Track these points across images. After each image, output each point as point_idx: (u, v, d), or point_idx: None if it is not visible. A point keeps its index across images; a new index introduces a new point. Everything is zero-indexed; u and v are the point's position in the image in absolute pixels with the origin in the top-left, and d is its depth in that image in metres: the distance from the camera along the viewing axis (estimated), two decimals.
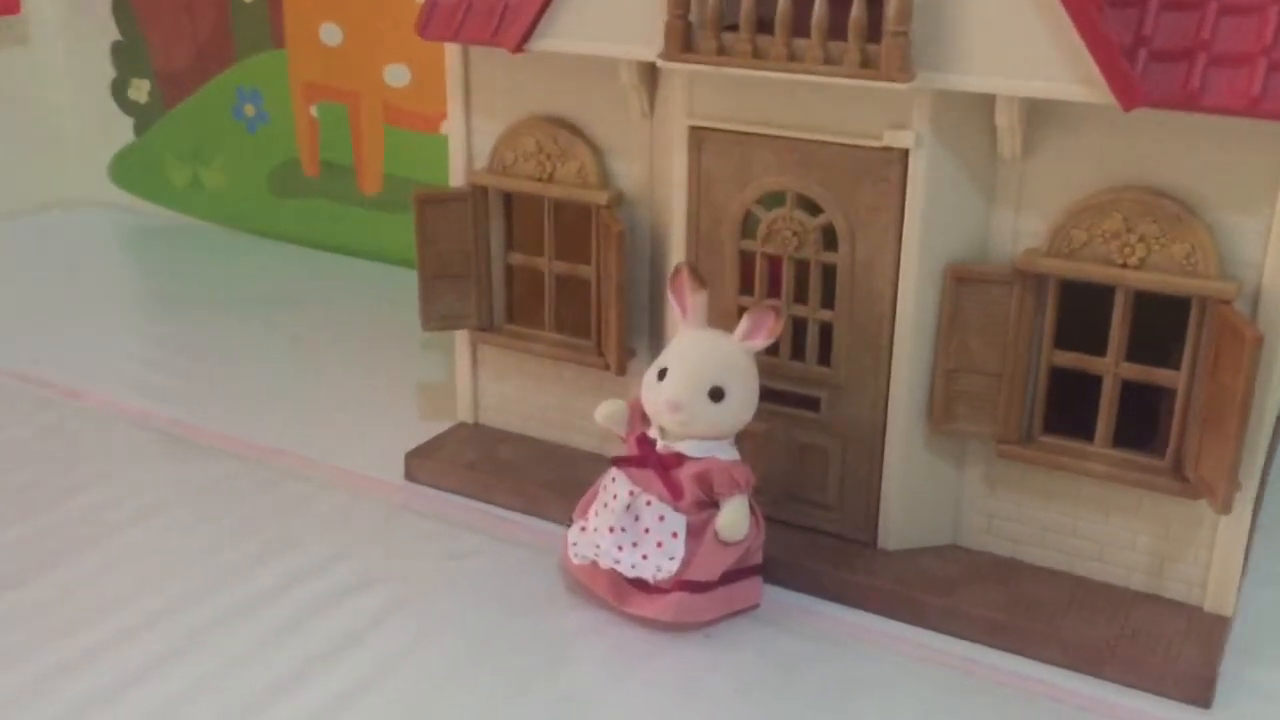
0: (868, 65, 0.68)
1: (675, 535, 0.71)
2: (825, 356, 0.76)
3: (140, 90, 1.47)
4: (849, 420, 0.77)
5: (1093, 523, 0.75)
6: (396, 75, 1.30)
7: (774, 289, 0.77)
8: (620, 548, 0.72)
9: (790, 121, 0.73)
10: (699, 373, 0.69)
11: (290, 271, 1.35)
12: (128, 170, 1.53)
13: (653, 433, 0.72)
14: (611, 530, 0.73)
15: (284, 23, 1.34)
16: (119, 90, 1.49)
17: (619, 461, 0.73)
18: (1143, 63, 0.64)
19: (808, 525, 0.80)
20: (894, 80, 0.67)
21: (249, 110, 1.41)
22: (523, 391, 0.92)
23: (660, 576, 0.72)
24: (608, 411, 0.75)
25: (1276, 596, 0.78)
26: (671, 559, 0.71)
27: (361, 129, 1.35)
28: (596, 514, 0.74)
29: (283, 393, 1.06)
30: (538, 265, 0.87)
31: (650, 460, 0.71)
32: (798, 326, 0.77)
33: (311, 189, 1.41)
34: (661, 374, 0.70)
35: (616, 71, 0.77)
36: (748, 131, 0.74)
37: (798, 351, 0.77)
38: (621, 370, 0.84)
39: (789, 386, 0.78)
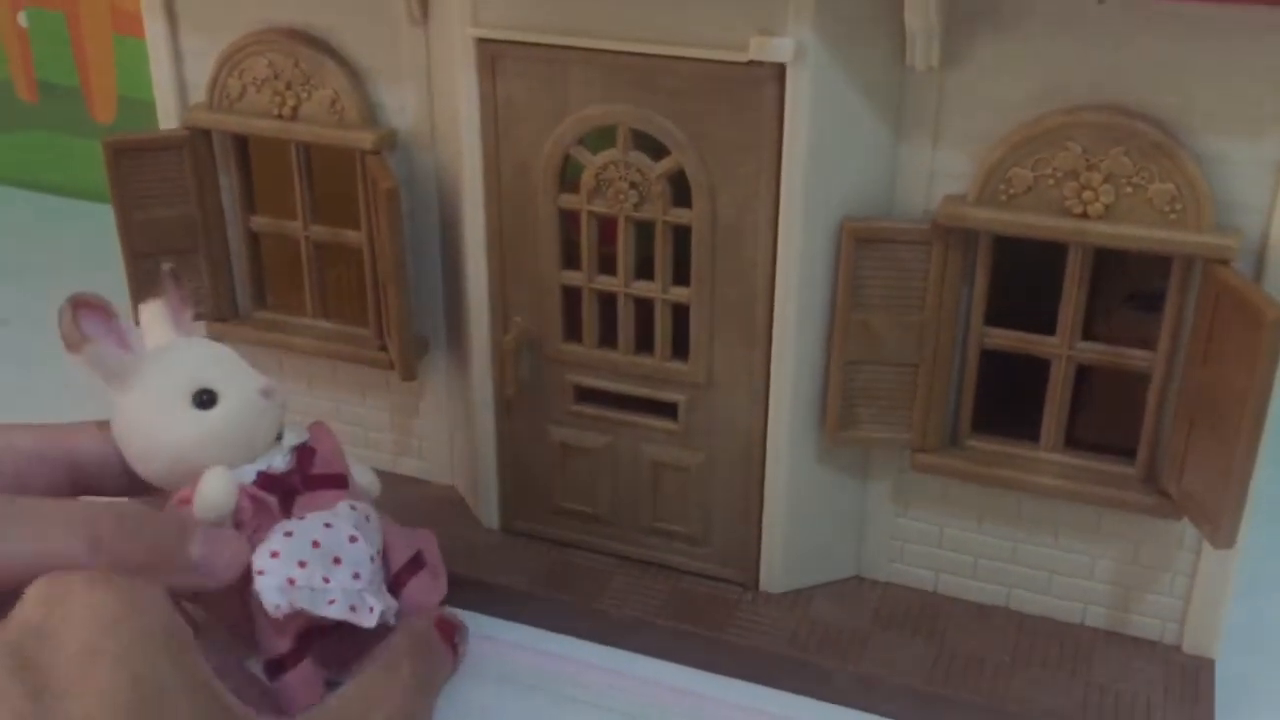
0: None
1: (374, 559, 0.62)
2: (682, 348, 0.68)
3: None
4: (717, 430, 0.69)
5: (1038, 546, 0.68)
6: None
7: (608, 260, 0.67)
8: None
9: (620, 29, 0.63)
10: (234, 358, 0.63)
11: (3, 222, 1.23)
12: None
13: (266, 465, 0.61)
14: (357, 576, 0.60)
15: None
16: None
17: (290, 511, 0.60)
18: None
19: (665, 564, 0.72)
20: None
21: None
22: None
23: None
24: (223, 494, 0.58)
25: (1258, 614, 0.70)
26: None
27: (85, 41, 1.24)
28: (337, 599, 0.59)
29: None
30: (290, 231, 0.75)
31: (296, 480, 0.61)
32: (643, 311, 0.68)
33: (29, 118, 1.31)
34: (206, 399, 0.60)
35: None
36: (560, 44, 0.64)
37: (644, 343, 0.69)
38: (409, 373, 0.73)
39: (635, 389, 0.70)
